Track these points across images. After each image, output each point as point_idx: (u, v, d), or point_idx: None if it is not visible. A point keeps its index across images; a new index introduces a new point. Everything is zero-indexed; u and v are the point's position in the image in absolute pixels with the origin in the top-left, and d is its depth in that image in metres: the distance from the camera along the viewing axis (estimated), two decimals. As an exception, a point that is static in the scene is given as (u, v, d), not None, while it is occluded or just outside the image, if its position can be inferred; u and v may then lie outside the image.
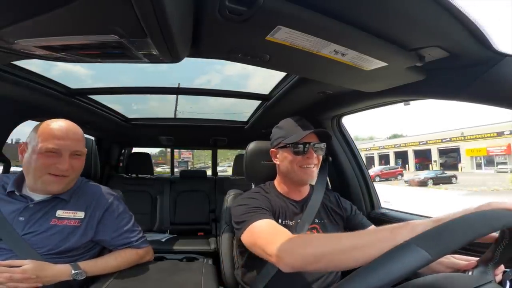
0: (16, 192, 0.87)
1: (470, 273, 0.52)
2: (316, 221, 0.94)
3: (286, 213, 0.93)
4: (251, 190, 1.01)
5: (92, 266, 0.87)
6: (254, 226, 0.75)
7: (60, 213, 0.87)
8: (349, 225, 0.99)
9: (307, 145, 0.91)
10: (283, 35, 0.59)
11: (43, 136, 0.84)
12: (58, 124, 0.87)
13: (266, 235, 0.70)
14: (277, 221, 0.86)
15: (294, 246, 0.60)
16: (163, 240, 2.16)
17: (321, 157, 0.96)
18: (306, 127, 0.95)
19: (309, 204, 0.96)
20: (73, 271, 0.82)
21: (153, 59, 0.67)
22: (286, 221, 0.92)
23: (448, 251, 0.38)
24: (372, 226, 0.98)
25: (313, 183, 1.00)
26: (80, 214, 0.89)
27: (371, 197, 1.40)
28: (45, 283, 0.79)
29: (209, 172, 3.28)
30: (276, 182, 1.03)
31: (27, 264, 0.76)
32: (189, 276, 0.90)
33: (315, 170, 0.94)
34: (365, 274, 0.38)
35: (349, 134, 1.48)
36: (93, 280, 0.85)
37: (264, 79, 1.47)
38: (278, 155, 0.99)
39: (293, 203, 0.97)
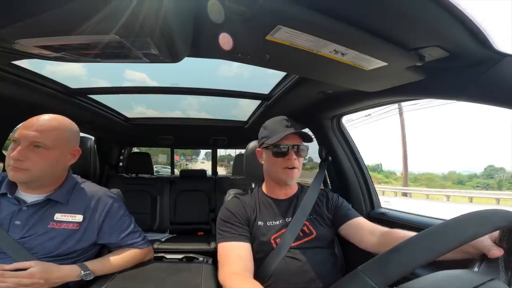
0: (8, 195, 0.83)
1: (476, 268, 0.51)
2: (308, 217, 0.93)
3: (271, 214, 0.94)
4: (233, 197, 1.03)
5: (100, 266, 0.86)
6: (221, 246, 0.87)
7: (58, 216, 0.84)
8: (335, 217, 0.97)
9: (288, 147, 0.90)
10: (283, 35, 0.59)
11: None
12: (37, 116, 0.84)
13: (222, 258, 0.84)
14: (259, 225, 0.91)
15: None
16: (163, 239, 2.16)
17: (302, 160, 0.94)
18: (290, 127, 0.92)
19: (302, 204, 0.95)
20: (82, 272, 0.80)
21: (153, 59, 0.67)
22: (270, 222, 0.92)
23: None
24: (361, 218, 0.94)
25: (293, 183, 0.97)
26: (79, 218, 0.86)
27: (371, 197, 1.40)
28: (52, 285, 0.76)
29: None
30: (264, 183, 1.03)
31: (34, 267, 0.73)
32: (189, 276, 0.90)
33: (296, 171, 0.92)
34: None
35: (349, 134, 1.48)
36: (92, 281, 0.84)
37: (264, 79, 1.47)
38: (262, 155, 0.98)
39: (279, 202, 0.97)
